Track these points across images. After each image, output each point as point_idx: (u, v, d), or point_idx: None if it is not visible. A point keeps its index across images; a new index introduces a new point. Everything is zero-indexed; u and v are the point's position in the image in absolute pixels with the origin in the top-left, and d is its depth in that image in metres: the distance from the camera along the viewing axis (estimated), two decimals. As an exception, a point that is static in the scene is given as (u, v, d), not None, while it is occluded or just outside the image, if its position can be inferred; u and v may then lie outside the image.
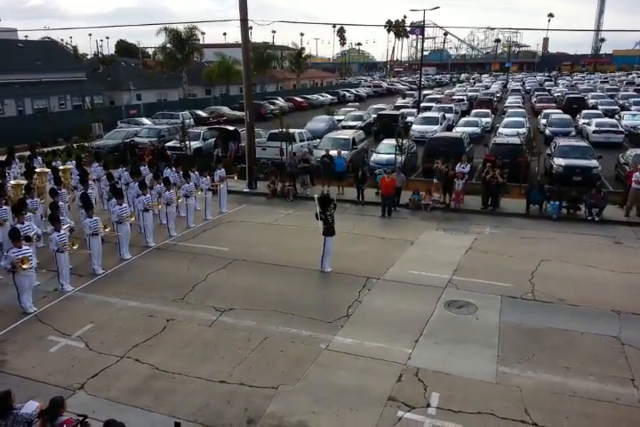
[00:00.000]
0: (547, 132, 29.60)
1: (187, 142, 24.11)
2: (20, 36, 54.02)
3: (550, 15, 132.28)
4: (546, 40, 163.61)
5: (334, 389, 8.02)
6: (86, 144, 29.15)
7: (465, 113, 40.45)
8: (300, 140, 25.00)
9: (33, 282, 10.76)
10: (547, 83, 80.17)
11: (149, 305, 10.82)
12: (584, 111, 35.55)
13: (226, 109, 45.02)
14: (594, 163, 20.12)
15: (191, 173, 16.78)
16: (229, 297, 11.16)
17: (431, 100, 47.81)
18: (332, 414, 7.49)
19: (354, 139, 24.09)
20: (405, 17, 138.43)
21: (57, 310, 10.64)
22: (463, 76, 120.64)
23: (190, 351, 9.10)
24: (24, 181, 15.14)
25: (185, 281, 11.96)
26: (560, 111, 36.11)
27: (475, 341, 9.42)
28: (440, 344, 9.31)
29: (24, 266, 10.03)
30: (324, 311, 10.49)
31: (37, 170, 16.66)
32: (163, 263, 13.23)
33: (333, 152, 20.84)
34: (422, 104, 43.46)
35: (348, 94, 65.03)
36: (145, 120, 36.27)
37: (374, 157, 22.59)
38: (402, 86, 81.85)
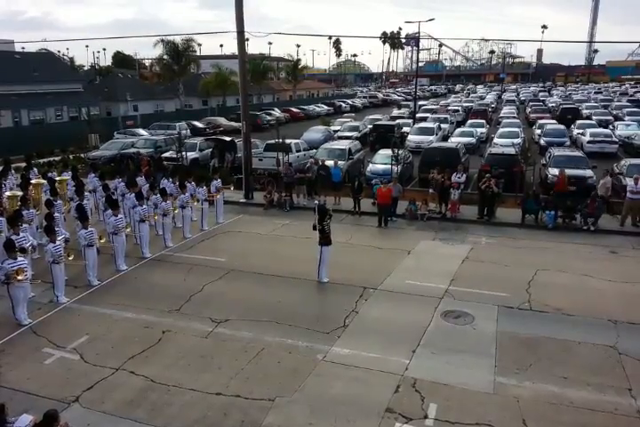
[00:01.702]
0: (541, 142, 29.77)
1: (183, 153, 24.16)
2: (17, 47, 54.41)
3: (544, 26, 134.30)
4: (540, 51, 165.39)
5: (331, 400, 7.97)
6: (82, 155, 29.16)
7: (460, 123, 40.69)
8: (297, 151, 25.13)
9: (28, 294, 10.68)
10: (541, 93, 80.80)
11: (145, 316, 10.76)
12: (578, 121, 35.81)
13: (222, 120, 45.17)
14: (588, 173, 20.25)
15: (187, 184, 16.78)
16: (226, 308, 11.11)
17: (427, 110, 48.10)
18: (329, 425, 7.44)
19: (350, 149, 24.20)
20: (401, 29, 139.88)
21: (52, 322, 10.57)
22: (458, 86, 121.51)
23: (186, 363, 9.04)
24: (20, 193, 15.11)
25: (181, 292, 11.91)
26: (554, 121, 36.37)
27: (472, 351, 9.39)
28: (437, 354, 9.28)
29: (18, 277, 9.97)
30: (320, 322, 10.45)
31: (33, 181, 16.62)
32: (159, 274, 13.19)
33: (330, 162, 20.92)
34: (418, 115, 43.73)
35: (344, 105, 65.46)
36: (141, 131, 36.36)
37: (370, 167, 22.66)
38: (397, 97, 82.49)
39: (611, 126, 34.95)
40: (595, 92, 78.47)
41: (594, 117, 39.91)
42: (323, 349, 9.44)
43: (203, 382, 8.42)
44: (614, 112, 44.49)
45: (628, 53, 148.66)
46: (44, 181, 16.84)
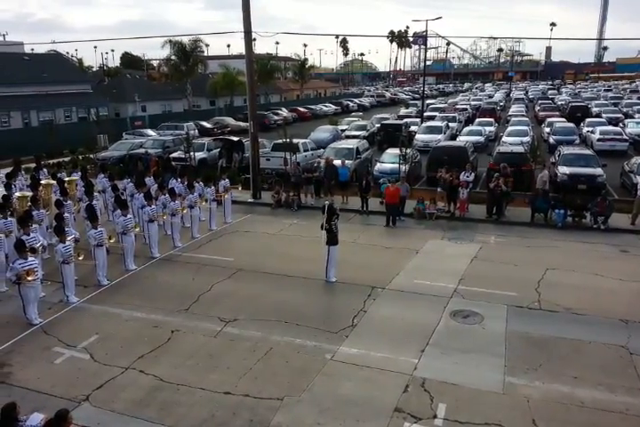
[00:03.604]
0: (551, 140, 29.60)
1: (191, 153, 24.24)
2: (27, 49, 54.83)
3: (552, 24, 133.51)
4: (548, 49, 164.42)
5: (340, 400, 7.96)
6: (92, 156, 29.32)
7: (468, 122, 40.50)
8: (305, 150, 25.12)
9: (38, 293, 10.78)
10: (550, 91, 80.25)
11: (154, 316, 10.81)
12: (588, 119, 35.53)
13: (230, 120, 45.26)
14: (598, 171, 20.08)
15: (196, 184, 16.84)
16: (234, 307, 11.13)
17: (434, 109, 47.93)
18: (338, 425, 7.43)
19: (358, 148, 24.17)
20: (408, 27, 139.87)
21: (62, 322, 10.64)
22: (466, 85, 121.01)
23: (195, 362, 9.07)
24: (29, 193, 15.23)
25: (190, 292, 11.95)
26: (564, 120, 36.09)
27: (481, 350, 9.35)
28: (446, 354, 9.24)
29: (29, 278, 10.05)
30: (329, 321, 10.45)
31: (43, 182, 16.75)
32: (167, 274, 13.24)
33: (337, 162, 20.88)
34: (426, 113, 43.58)
35: (351, 104, 65.40)
36: (150, 131, 36.52)
37: (378, 166, 22.62)
38: (405, 96, 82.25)
39: (621, 124, 34.64)
40: (604, 90, 77.82)
41: (603, 115, 39.62)
42: (331, 348, 9.43)
43: (211, 382, 8.44)
44: (624, 110, 44.11)
45: (638, 50, 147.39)
46: (54, 182, 16.96)
